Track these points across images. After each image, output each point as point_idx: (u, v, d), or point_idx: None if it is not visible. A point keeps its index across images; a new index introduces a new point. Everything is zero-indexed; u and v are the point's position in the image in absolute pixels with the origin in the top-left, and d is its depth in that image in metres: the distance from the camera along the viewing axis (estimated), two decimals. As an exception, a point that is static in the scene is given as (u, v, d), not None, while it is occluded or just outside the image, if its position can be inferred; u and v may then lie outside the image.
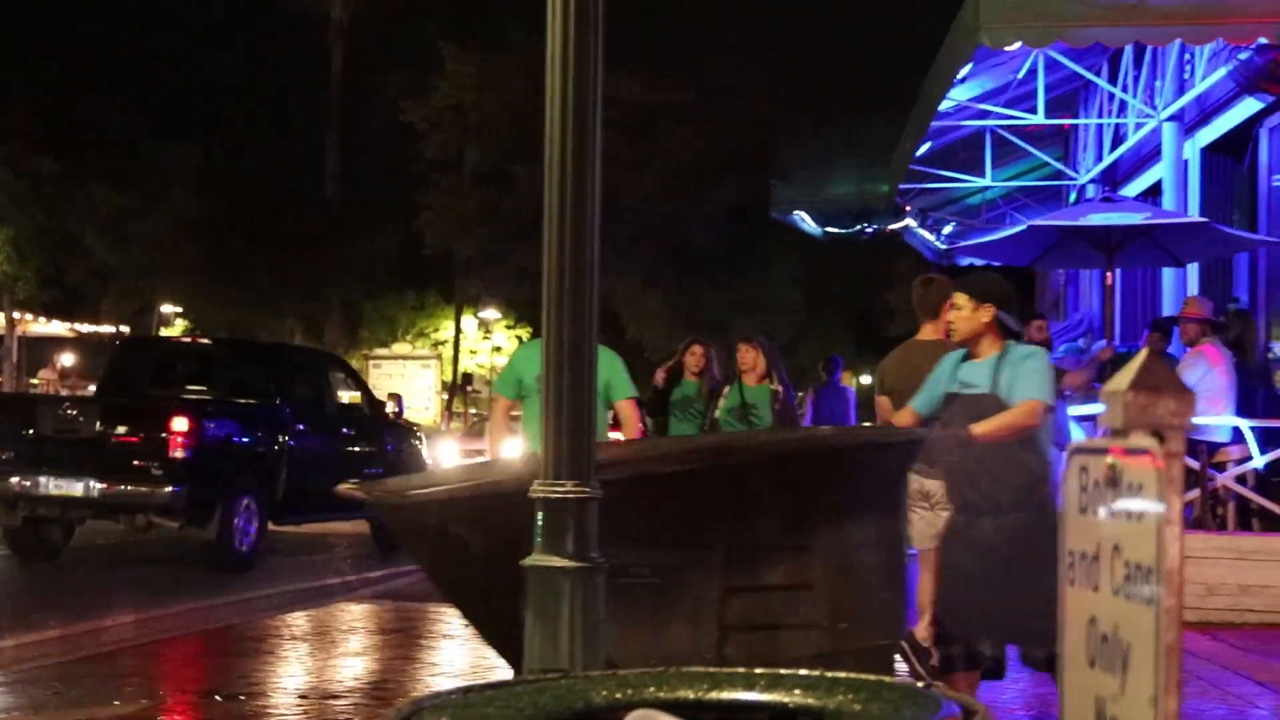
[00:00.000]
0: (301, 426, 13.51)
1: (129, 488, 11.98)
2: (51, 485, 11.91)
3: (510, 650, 4.95)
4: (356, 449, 14.48)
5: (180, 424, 12.00)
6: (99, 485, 11.80)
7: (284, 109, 37.08)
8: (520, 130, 25.41)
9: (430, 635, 9.28)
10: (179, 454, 11.89)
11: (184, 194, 32.57)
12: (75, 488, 11.82)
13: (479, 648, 8.63)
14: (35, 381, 36.41)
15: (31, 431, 12.33)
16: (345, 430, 14.49)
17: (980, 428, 5.31)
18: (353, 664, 8.15)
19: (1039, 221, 13.09)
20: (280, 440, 13.11)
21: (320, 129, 37.55)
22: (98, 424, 12.31)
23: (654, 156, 27.46)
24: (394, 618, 9.95)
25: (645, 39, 26.92)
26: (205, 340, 20.42)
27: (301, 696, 7.18)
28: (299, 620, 10.00)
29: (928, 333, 7.14)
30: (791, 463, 4.91)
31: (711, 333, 31.38)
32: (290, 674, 7.86)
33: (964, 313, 5.55)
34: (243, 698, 7.18)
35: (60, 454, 12.11)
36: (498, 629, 5.00)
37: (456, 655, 8.53)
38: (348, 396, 15.41)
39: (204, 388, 13.83)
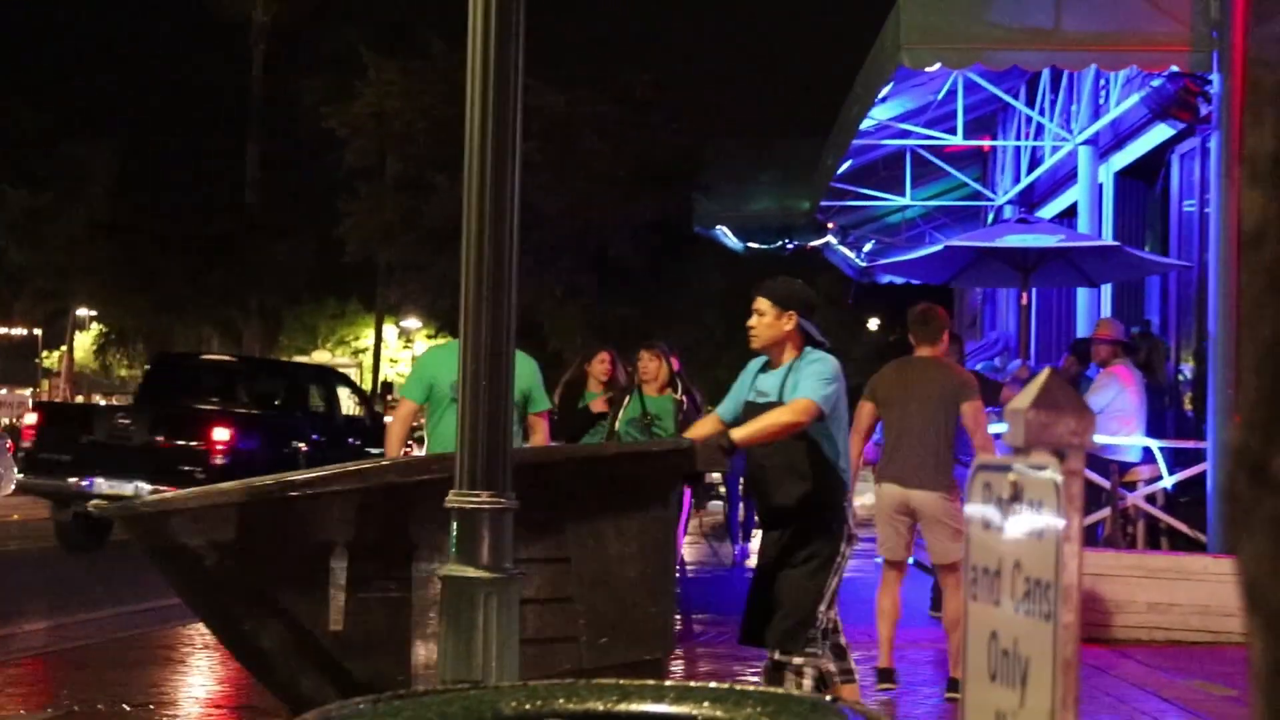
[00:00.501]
0: (315, 435, 15.11)
1: (174, 489, 12.97)
2: (105, 486, 13.12)
3: (266, 674, 4.82)
4: (360, 455, 15.60)
5: (222, 433, 13.59)
6: (147, 486, 12.75)
7: (204, 111, 36.63)
8: (441, 138, 25.32)
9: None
10: (219, 459, 13.38)
11: (99, 195, 32.11)
12: (126, 488, 12.84)
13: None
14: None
15: (87, 438, 13.90)
16: (350, 439, 15.94)
17: (739, 433, 5.18)
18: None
19: (956, 242, 13.26)
20: (298, 447, 14.58)
21: (240, 132, 37.17)
22: (147, 431, 13.85)
23: (575, 167, 27.48)
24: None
25: (566, 50, 26.98)
26: (231, 357, 22.86)
27: (216, 707, 7.09)
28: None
29: (925, 351, 7.35)
30: (547, 474, 4.85)
31: (631, 348, 31.39)
32: (196, 684, 7.75)
33: (766, 319, 5.42)
34: (146, 709, 7.09)
35: (112, 458, 13.55)
36: (246, 650, 4.83)
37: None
38: (352, 408, 17.11)
39: (232, 400, 15.43)
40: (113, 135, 32.55)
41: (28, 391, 41.84)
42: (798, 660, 5.33)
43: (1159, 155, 14.06)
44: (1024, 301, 12.92)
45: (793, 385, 5.29)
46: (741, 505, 16.62)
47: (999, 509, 1.40)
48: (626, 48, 29.57)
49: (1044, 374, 1.36)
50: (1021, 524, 1.35)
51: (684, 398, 8.56)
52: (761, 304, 5.43)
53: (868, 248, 25.07)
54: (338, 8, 35.28)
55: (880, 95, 14.40)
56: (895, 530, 7.20)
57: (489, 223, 4.12)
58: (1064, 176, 16.74)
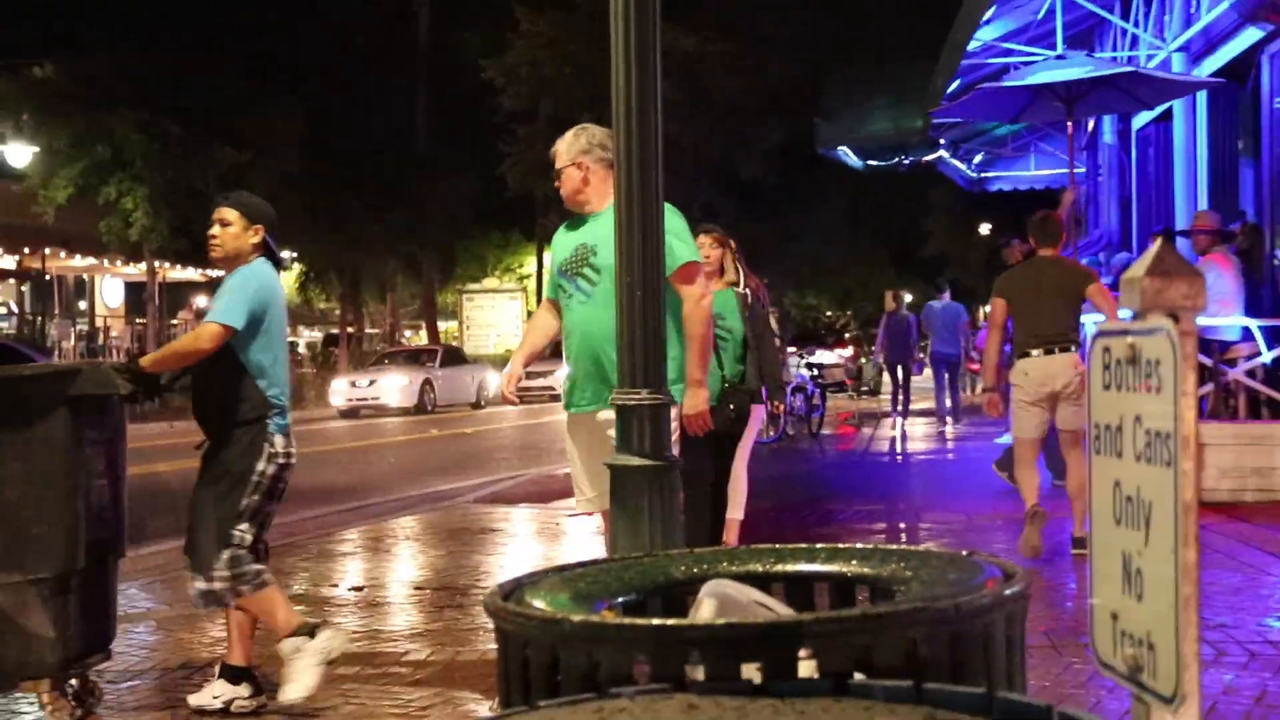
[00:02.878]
0: None
1: None
2: None
3: None
4: None
5: None
6: None
7: (378, 70, 37.20)
8: (587, 81, 25.34)
9: (525, 534, 9.38)
10: None
11: (291, 150, 32.83)
12: None
13: (576, 543, 8.73)
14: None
15: None
16: None
17: (147, 358, 4.80)
18: (458, 558, 8.27)
19: (992, 85, 12.89)
20: None
21: (410, 86, 37.66)
22: None
23: (706, 102, 27.27)
24: (495, 518, 10.08)
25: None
26: None
27: (416, 588, 7.30)
28: (410, 523, 10.15)
29: (1046, 251, 7.66)
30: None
31: (766, 261, 31.25)
32: (406, 569, 7.99)
33: (234, 229, 4.90)
34: (368, 589, 7.31)
35: None
36: None
37: (552, 549, 8.63)
38: None
39: None
40: (300, 97, 33.18)
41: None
42: (216, 585, 4.73)
43: (1249, 57, 13.45)
44: (1069, 130, 12.27)
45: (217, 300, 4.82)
46: None
47: (1119, 370, 1.37)
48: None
49: (1156, 244, 1.32)
50: (1140, 382, 1.32)
51: (748, 290, 6.96)
52: (230, 214, 4.92)
53: (977, 159, 24.54)
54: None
55: (984, 18, 13.98)
56: (1036, 411, 7.52)
57: (636, 152, 4.10)
58: (1159, 84, 16.12)
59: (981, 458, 13.18)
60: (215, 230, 4.92)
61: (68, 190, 27.84)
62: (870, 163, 24.27)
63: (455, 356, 31.64)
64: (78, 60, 28.32)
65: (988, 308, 8.26)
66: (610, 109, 4.18)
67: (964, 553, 1.99)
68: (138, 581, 7.77)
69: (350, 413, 28.12)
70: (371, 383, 28.47)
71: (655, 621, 1.60)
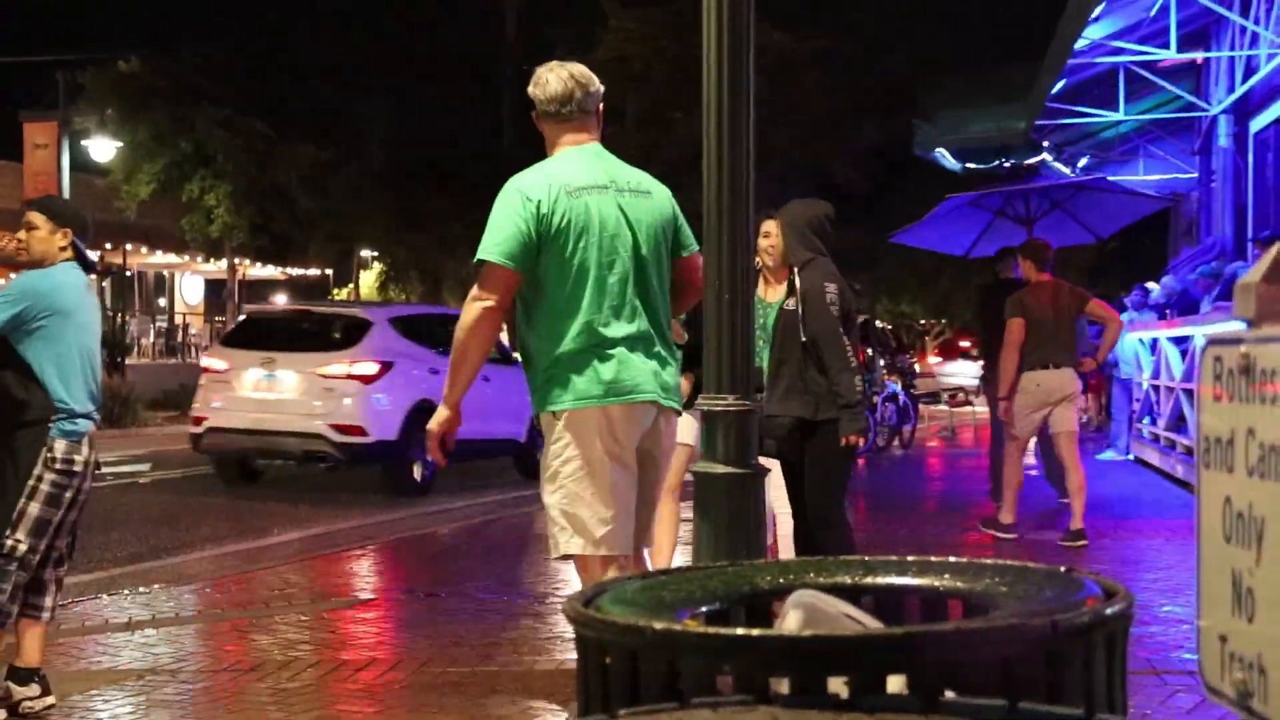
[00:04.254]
0: None
1: None
2: None
3: None
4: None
5: None
6: None
7: (464, 68, 37.47)
8: (676, 79, 25.33)
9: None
10: None
11: (374, 149, 33.19)
12: None
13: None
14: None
15: None
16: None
17: None
18: (529, 565, 8.32)
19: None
20: None
21: (498, 85, 37.92)
22: None
23: (800, 101, 27.13)
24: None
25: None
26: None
27: (492, 595, 7.35)
28: (487, 528, 10.23)
29: (1045, 275, 9.04)
30: None
31: (858, 267, 31.02)
32: (476, 575, 8.05)
33: (40, 233, 4.93)
34: (441, 595, 7.38)
35: None
36: None
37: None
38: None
39: None
40: (385, 95, 33.50)
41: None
42: None
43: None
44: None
45: None
46: None
47: (1231, 380, 1.35)
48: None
49: (1274, 249, 1.29)
50: (1254, 393, 1.29)
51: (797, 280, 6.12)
52: (36, 219, 4.96)
53: (1083, 163, 24.14)
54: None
55: (1093, 14, 13.78)
56: (1038, 418, 8.99)
57: (727, 152, 4.11)
58: (1280, 84, 15.79)
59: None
60: (22, 234, 4.97)
61: (150, 186, 28.42)
62: (969, 165, 24.03)
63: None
64: (162, 55, 28.94)
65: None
66: (700, 108, 4.19)
67: (1062, 569, 1.96)
68: (212, 583, 7.93)
69: None
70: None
71: (739, 631, 1.60)
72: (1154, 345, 14.46)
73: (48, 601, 4.99)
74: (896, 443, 18.19)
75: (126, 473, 14.92)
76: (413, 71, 36.36)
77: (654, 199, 4.16)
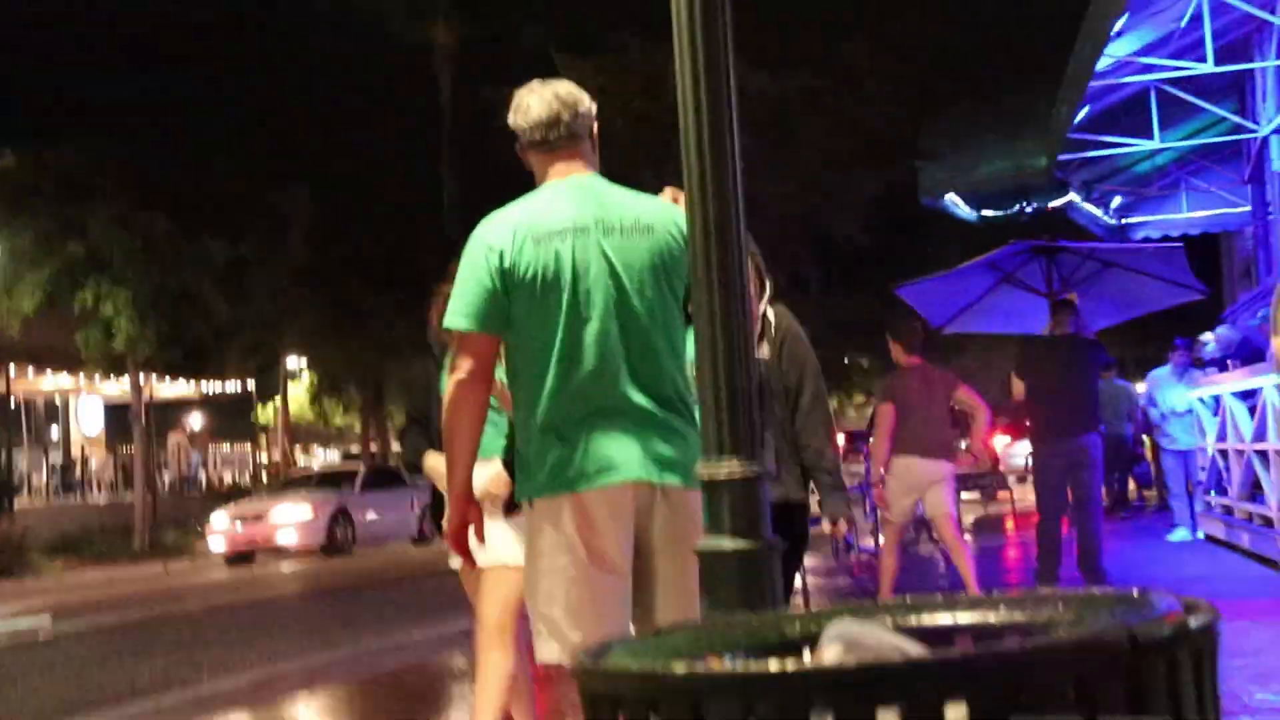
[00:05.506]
0: None
1: None
2: None
3: None
4: None
5: None
6: None
7: (395, 145, 37.66)
8: (643, 135, 25.56)
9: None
10: None
11: (298, 240, 33.27)
12: None
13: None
14: (166, 449, 37.51)
15: None
16: None
17: None
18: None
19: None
20: None
21: (434, 159, 38.13)
22: None
23: (788, 151, 27.37)
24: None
25: (767, 27, 26.83)
26: None
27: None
28: (434, 665, 10.16)
29: (916, 359, 10.06)
30: None
31: (865, 336, 31.11)
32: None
33: None
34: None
35: None
36: None
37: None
38: None
39: None
40: (304, 179, 33.58)
41: (248, 446, 43.54)
42: None
43: None
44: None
45: None
46: None
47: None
48: (828, 11, 28.96)
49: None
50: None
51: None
52: None
53: (1116, 203, 24.32)
54: (524, 15, 35.89)
55: (1115, 29, 14.03)
56: (905, 504, 10.11)
57: (713, 207, 4.11)
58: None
59: (1146, 560, 13.04)
60: None
61: (36, 298, 28.33)
62: (985, 212, 24.20)
63: (386, 477, 28.60)
64: (43, 149, 28.94)
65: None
66: (673, 165, 4.21)
67: (1134, 590, 2.00)
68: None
69: (237, 558, 25.98)
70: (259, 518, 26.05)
71: (773, 666, 1.62)
72: (1217, 404, 14.54)
73: None
74: (925, 537, 18.14)
75: (21, 628, 14.78)
76: (334, 150, 36.55)
77: (654, 236, 4.11)
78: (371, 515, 26.75)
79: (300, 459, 40.33)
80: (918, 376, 9.93)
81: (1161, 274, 13.27)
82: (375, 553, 25.27)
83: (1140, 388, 20.62)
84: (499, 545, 5.18)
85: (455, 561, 5.30)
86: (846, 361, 42.56)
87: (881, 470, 10.13)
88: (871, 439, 10.64)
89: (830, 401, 5.98)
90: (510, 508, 4.87)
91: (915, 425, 9.84)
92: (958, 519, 10.59)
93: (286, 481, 30.76)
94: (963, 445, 14.37)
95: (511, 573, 5.23)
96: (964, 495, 23.87)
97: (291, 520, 25.47)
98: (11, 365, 32.64)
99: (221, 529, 26.03)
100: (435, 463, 5.50)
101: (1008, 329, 14.77)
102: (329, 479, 28.74)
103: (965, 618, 2.05)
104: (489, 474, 5.21)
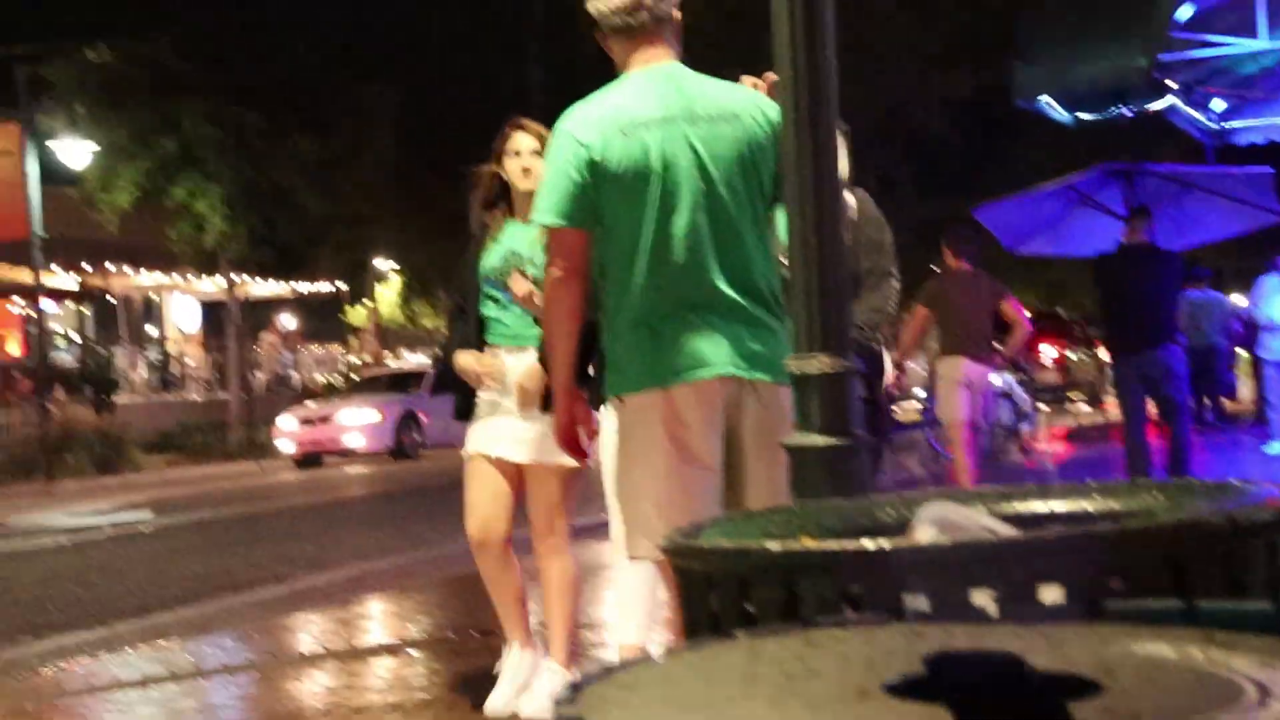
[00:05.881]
0: None
1: None
2: None
3: None
4: None
5: None
6: None
7: (483, 36, 37.39)
8: (733, 31, 25.22)
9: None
10: None
11: (385, 140, 33.24)
12: None
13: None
14: (259, 348, 37.99)
15: None
16: None
17: None
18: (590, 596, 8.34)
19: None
20: None
21: (522, 54, 37.88)
22: None
23: (881, 46, 26.94)
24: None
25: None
26: None
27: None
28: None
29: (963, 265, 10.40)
30: None
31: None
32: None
33: None
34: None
35: None
36: None
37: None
38: None
39: None
40: (394, 72, 33.44)
41: (338, 347, 43.91)
42: None
43: None
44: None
45: None
46: None
47: None
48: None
49: None
50: None
51: None
52: None
53: (1219, 107, 23.72)
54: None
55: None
56: (955, 402, 10.28)
57: (806, 103, 4.07)
58: None
59: (1240, 472, 12.89)
60: None
61: (131, 193, 28.60)
62: (1080, 115, 23.68)
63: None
64: (137, 42, 29.00)
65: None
66: (764, 65, 4.16)
67: (1233, 480, 1.98)
68: (235, 632, 8.06)
69: (305, 460, 25.91)
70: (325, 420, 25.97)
71: (867, 544, 1.63)
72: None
73: None
74: (1015, 447, 18.09)
75: (125, 521, 15.14)
76: (424, 46, 36.42)
77: (741, 124, 4.04)
78: (440, 418, 25.70)
79: (390, 361, 40.56)
80: (965, 281, 10.26)
81: (1246, 198, 13.01)
82: (444, 455, 24.63)
83: (1237, 300, 20.29)
84: (536, 442, 5.15)
85: (467, 452, 5.35)
86: (934, 268, 42.17)
87: (898, 358, 10.26)
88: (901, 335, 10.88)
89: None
90: (547, 404, 4.89)
91: (959, 327, 10.10)
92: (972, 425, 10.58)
93: (355, 384, 30.56)
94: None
95: (549, 471, 5.19)
96: (1041, 406, 23.72)
97: (358, 423, 25.24)
98: (108, 263, 33.10)
99: (289, 431, 26.01)
100: (466, 362, 5.34)
101: (1081, 252, 14.56)
102: (398, 381, 28.28)
103: (1060, 506, 2.05)
104: (522, 367, 5.19)
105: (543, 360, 4.90)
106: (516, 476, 5.30)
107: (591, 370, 4.74)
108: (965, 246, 10.47)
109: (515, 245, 5.29)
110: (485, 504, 5.31)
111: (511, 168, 5.34)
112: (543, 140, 5.19)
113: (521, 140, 5.34)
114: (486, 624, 6.71)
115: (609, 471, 4.83)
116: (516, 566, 5.36)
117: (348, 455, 25.63)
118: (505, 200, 5.41)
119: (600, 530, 10.68)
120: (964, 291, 10.22)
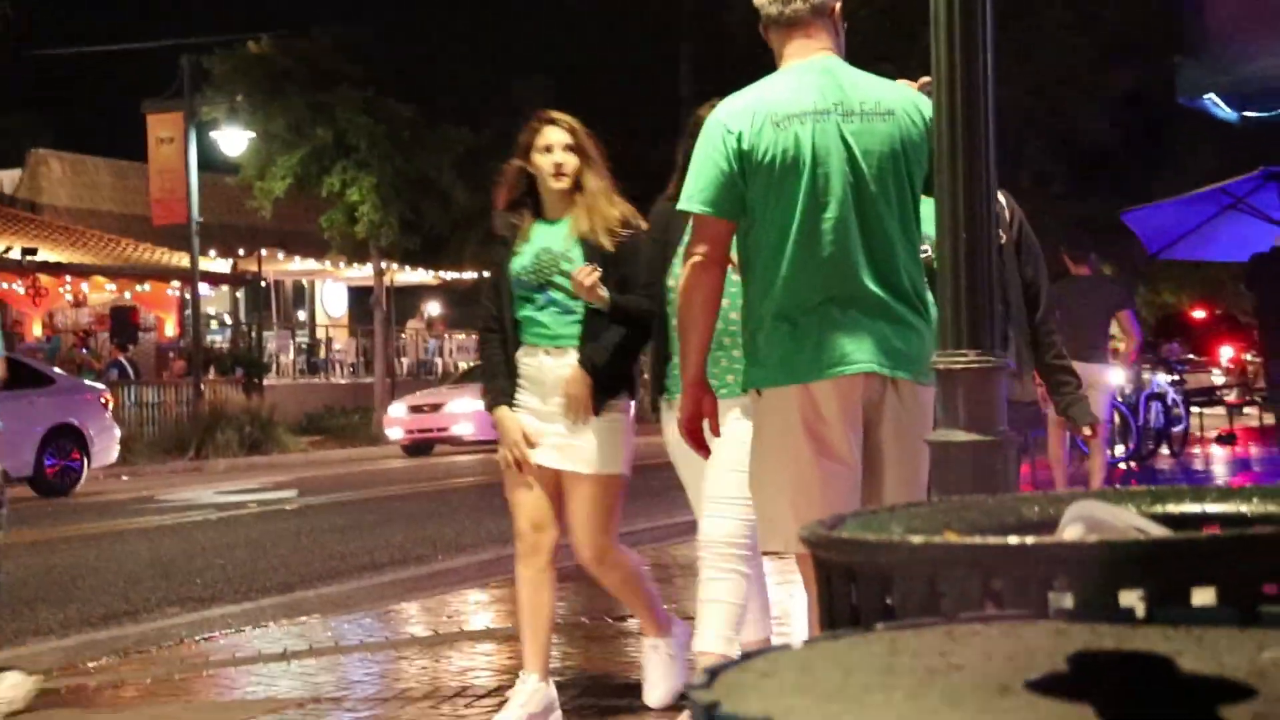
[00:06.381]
0: None
1: None
2: None
3: None
4: None
5: None
6: None
7: (633, 31, 37.54)
8: (884, 26, 25.04)
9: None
10: None
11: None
12: None
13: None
14: (404, 334, 38.56)
15: None
16: None
17: None
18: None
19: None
20: None
21: (674, 49, 37.94)
22: None
23: (1040, 42, 26.54)
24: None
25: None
26: None
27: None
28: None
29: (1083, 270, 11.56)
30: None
31: (1109, 243, 30.22)
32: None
33: None
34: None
35: None
36: None
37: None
38: None
39: None
40: (545, 67, 33.84)
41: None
42: None
43: None
44: None
45: None
46: None
47: None
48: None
49: None
50: None
51: None
52: None
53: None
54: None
55: None
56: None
57: (960, 91, 4.03)
58: None
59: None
60: None
61: (285, 181, 29.27)
62: (1248, 113, 23.14)
63: None
64: (295, 35, 29.84)
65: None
66: (917, 60, 4.11)
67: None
68: (374, 611, 8.18)
69: (414, 448, 26.04)
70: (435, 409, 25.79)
71: (1013, 540, 1.60)
72: None
73: None
74: (1165, 450, 17.74)
75: (271, 500, 15.47)
76: (574, 38, 36.67)
77: (895, 121, 3.99)
78: None
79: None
80: (1084, 285, 11.20)
81: None
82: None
83: None
84: (579, 449, 4.94)
85: (503, 459, 5.05)
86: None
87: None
88: None
89: None
90: (598, 409, 4.85)
91: (1070, 328, 10.18)
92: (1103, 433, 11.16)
93: (467, 372, 30.48)
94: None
95: (591, 481, 4.97)
96: (1205, 411, 23.21)
97: (467, 412, 24.74)
98: (262, 249, 33.87)
99: (398, 418, 25.95)
100: (509, 426, 4.98)
101: (1227, 257, 14.23)
102: None
103: (1214, 508, 2.00)
104: (563, 369, 4.94)
105: (582, 361, 4.87)
106: (556, 484, 5.03)
107: (639, 369, 4.68)
108: (1079, 253, 11.58)
109: (547, 243, 5.04)
110: (531, 505, 5.04)
111: (542, 164, 5.08)
112: (575, 134, 5.08)
113: (552, 134, 5.09)
114: (620, 610, 6.74)
115: (686, 469, 4.88)
116: (553, 591, 5.10)
117: (456, 444, 25.52)
118: (531, 198, 5.14)
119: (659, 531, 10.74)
120: (1080, 296, 10.95)
